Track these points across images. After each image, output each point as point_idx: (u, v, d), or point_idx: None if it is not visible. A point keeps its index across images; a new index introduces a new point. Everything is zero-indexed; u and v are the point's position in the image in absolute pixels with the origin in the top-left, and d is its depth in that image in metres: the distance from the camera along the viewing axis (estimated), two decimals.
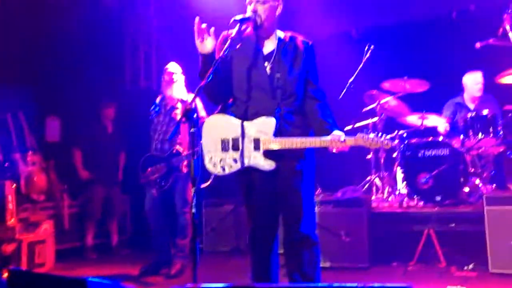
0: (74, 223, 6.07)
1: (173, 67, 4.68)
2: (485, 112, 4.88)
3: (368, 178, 5.56)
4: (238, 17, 2.69)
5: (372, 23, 6.90)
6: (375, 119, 5.63)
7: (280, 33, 2.91)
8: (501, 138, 4.83)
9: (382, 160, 5.55)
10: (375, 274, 4.29)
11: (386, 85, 5.60)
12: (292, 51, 2.85)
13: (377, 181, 5.54)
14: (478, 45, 4.93)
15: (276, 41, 2.86)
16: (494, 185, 4.90)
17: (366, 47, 5.60)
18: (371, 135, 2.67)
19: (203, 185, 4.15)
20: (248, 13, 2.73)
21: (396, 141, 5.44)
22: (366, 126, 5.70)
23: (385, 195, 5.33)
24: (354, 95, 5.58)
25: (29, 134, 5.85)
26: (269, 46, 2.86)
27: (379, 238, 4.59)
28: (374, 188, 5.54)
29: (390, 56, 6.08)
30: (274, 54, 2.82)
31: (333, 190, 4.88)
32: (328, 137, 2.66)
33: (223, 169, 2.76)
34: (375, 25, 6.90)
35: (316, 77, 2.91)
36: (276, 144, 2.68)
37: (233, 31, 2.67)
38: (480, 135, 4.81)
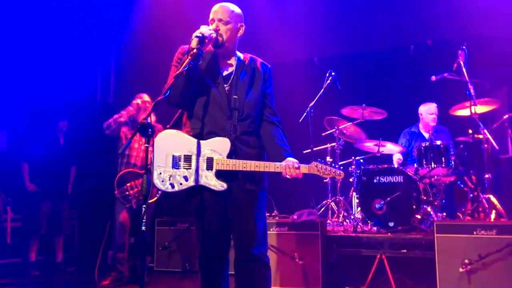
0: (17, 237, 5.74)
1: (147, 97, 5.10)
2: (438, 142, 5.04)
3: (325, 201, 5.59)
4: (198, 33, 2.63)
5: (334, 51, 7.09)
6: (334, 144, 5.70)
7: (240, 54, 2.89)
8: (453, 168, 4.99)
9: (338, 185, 5.61)
10: None
11: (345, 111, 5.70)
12: (251, 73, 2.83)
13: (333, 205, 5.58)
14: (433, 78, 5.12)
15: (236, 62, 2.83)
16: (445, 213, 5.03)
17: (327, 74, 5.72)
18: (325, 165, 2.67)
19: (150, 201, 4.12)
20: (209, 31, 2.68)
21: (353, 167, 5.53)
22: (324, 150, 5.77)
23: (340, 219, 5.36)
24: (314, 120, 5.65)
25: None
26: (228, 66, 2.83)
27: (332, 262, 4.59)
28: (330, 212, 5.57)
29: (350, 84, 6.22)
30: (232, 76, 2.79)
31: (289, 212, 4.86)
32: (283, 163, 2.65)
33: (172, 186, 2.66)
34: (337, 53, 7.09)
35: (273, 101, 2.90)
36: (230, 165, 2.63)
37: (193, 47, 2.60)
38: (433, 165, 4.94)
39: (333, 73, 5.70)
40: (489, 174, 4.80)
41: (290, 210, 4.92)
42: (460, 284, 3.82)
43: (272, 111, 2.87)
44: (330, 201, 5.56)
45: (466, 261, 3.81)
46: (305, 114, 5.70)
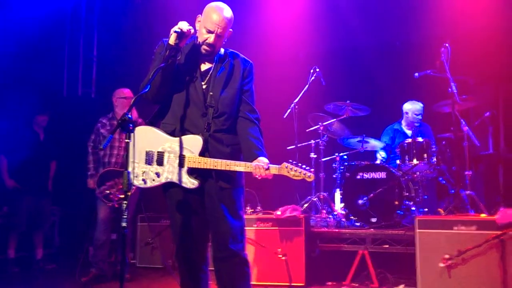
0: None
1: (130, 93, 5.02)
2: (420, 139, 5.08)
3: (308, 197, 5.60)
4: (177, 28, 2.59)
5: (319, 48, 7.08)
6: (318, 140, 5.71)
7: (221, 50, 2.83)
8: (434, 164, 5.04)
9: (322, 181, 5.62)
10: None
11: (329, 107, 5.71)
12: (229, 69, 2.78)
13: (317, 200, 5.59)
14: (416, 74, 5.15)
15: (215, 58, 2.78)
16: (426, 209, 5.08)
17: (312, 70, 5.72)
18: (295, 166, 2.63)
19: (121, 196, 4.11)
20: (188, 27, 2.61)
21: (337, 163, 5.54)
22: (308, 146, 5.77)
23: (324, 215, 5.37)
24: (299, 116, 5.65)
25: None
26: (207, 62, 2.79)
27: (315, 257, 4.60)
28: (313, 208, 5.58)
29: (335, 80, 6.22)
30: (211, 72, 2.75)
31: (272, 208, 4.85)
32: (253, 163, 2.61)
33: (144, 182, 2.68)
34: (321, 49, 7.08)
35: (252, 98, 2.85)
36: (201, 163, 2.62)
37: (172, 43, 2.59)
38: (415, 161, 4.99)
39: (317, 69, 5.71)
40: (470, 171, 4.86)
41: (273, 206, 4.92)
42: (440, 279, 3.86)
43: (250, 108, 2.82)
44: (313, 197, 5.58)
45: (446, 256, 3.85)
46: (289, 110, 5.70)
